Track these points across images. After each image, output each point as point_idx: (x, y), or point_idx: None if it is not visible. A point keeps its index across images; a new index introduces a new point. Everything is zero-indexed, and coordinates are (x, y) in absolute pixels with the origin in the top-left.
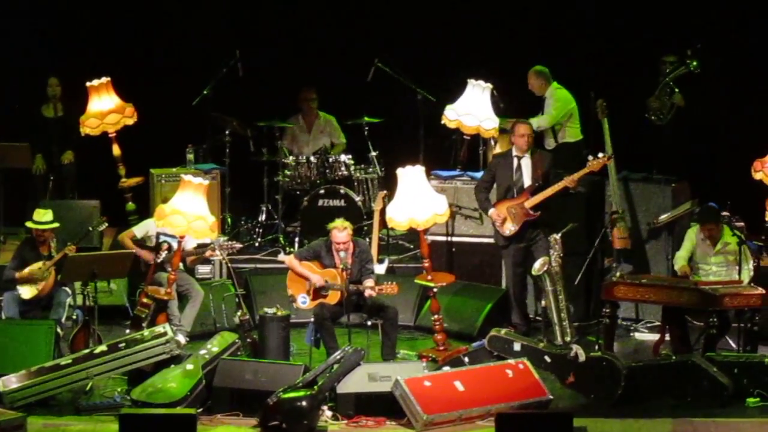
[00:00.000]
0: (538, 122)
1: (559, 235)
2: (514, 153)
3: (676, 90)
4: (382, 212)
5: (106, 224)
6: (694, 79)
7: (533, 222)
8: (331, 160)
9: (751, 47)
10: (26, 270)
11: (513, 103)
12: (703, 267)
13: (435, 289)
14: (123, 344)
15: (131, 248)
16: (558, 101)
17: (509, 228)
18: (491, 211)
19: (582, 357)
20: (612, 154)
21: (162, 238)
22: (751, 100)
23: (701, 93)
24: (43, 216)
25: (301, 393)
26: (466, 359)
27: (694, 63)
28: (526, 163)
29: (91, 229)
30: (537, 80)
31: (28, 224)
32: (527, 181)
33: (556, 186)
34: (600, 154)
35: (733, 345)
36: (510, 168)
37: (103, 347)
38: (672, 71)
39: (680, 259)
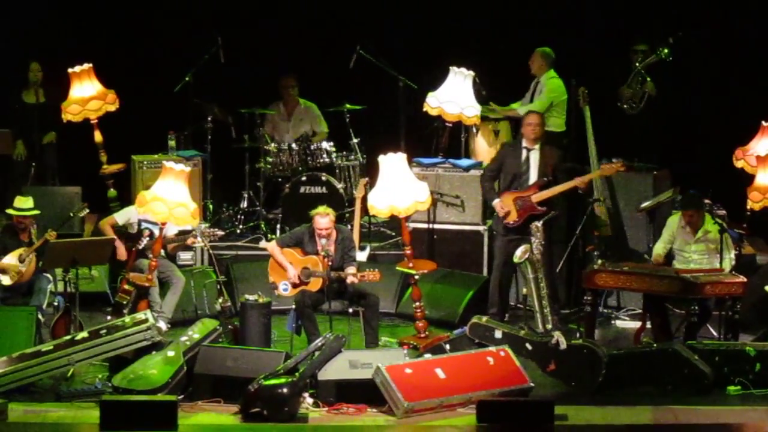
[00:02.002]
0: (526, 110)
1: (541, 222)
2: (524, 144)
3: (648, 79)
4: (364, 199)
5: (87, 210)
6: (674, 67)
7: (534, 216)
8: (312, 147)
9: (730, 34)
10: (3, 261)
11: (495, 90)
12: (682, 255)
13: (416, 277)
14: (104, 331)
15: (112, 235)
16: (551, 91)
17: (514, 219)
18: (496, 201)
19: (563, 345)
20: (626, 162)
21: (143, 225)
22: (733, 88)
23: (681, 81)
24: (24, 203)
25: (282, 380)
26: (447, 347)
27: (666, 51)
28: (535, 156)
29: (72, 215)
30: (540, 61)
31: (9, 211)
32: (533, 174)
33: (567, 184)
34: (614, 160)
35: (714, 333)
36: (518, 158)
37: (84, 334)
38: (643, 60)
39: (656, 249)
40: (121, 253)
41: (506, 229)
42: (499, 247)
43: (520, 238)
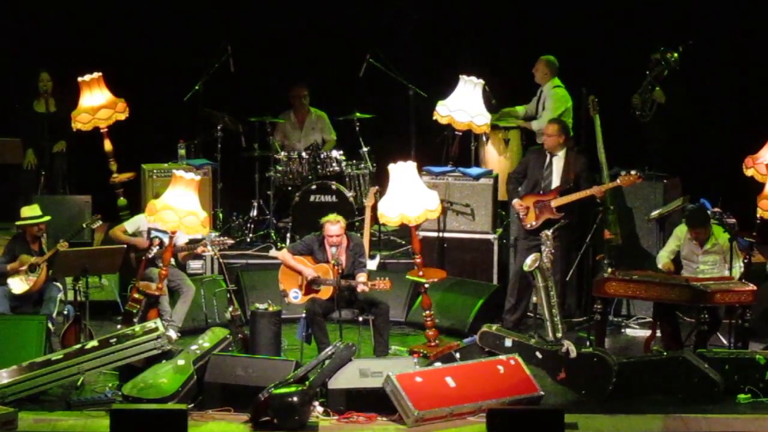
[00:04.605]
0: (538, 125)
1: (551, 231)
2: (548, 150)
3: (657, 87)
4: (374, 208)
5: (100, 222)
6: (685, 76)
7: (553, 222)
8: (322, 155)
9: (741, 42)
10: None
11: (505, 99)
12: (690, 265)
13: (426, 285)
14: (114, 340)
15: (123, 241)
16: (556, 101)
17: (531, 222)
18: (515, 201)
19: (573, 353)
20: (641, 174)
21: (153, 234)
22: (743, 96)
23: (692, 89)
24: (32, 211)
25: (293, 389)
26: (458, 355)
27: (675, 56)
28: (558, 163)
29: (84, 226)
30: (544, 69)
31: (20, 223)
32: (555, 179)
33: (584, 192)
34: (633, 171)
35: (724, 341)
36: (541, 164)
37: (94, 342)
38: (654, 68)
39: (662, 258)
40: (141, 243)
41: (526, 233)
42: (520, 252)
43: (538, 244)
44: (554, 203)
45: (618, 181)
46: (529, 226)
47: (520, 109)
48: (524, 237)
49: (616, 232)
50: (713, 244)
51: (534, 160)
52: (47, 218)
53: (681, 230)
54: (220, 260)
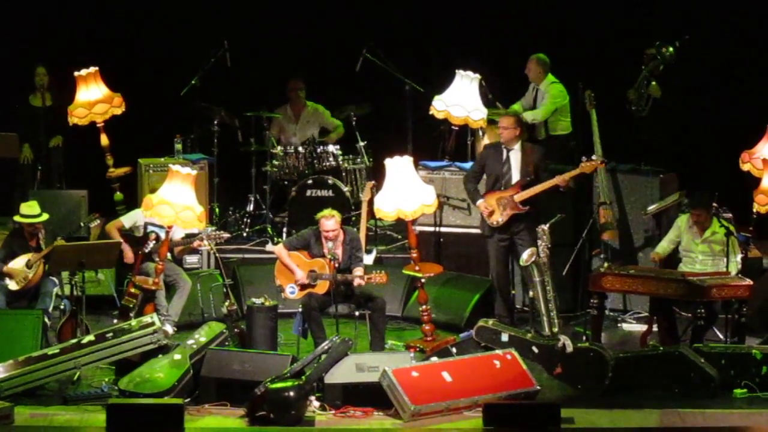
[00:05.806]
0: (533, 116)
1: (547, 225)
2: (504, 145)
3: (653, 82)
4: (370, 203)
5: (98, 221)
6: (680, 71)
7: (519, 215)
8: (319, 150)
9: (737, 37)
10: (11, 266)
11: (502, 94)
12: (689, 255)
13: (423, 280)
14: (110, 334)
15: (118, 238)
16: (554, 97)
17: (496, 219)
18: (480, 201)
19: (569, 348)
20: (605, 159)
21: (150, 228)
22: (739, 91)
23: (688, 84)
24: (31, 209)
25: (289, 383)
26: (454, 350)
27: (670, 50)
28: (516, 156)
29: (82, 224)
30: (536, 68)
31: (17, 219)
32: (515, 173)
33: (547, 183)
34: (593, 157)
35: (721, 336)
36: (499, 159)
37: (90, 337)
38: (650, 63)
39: (659, 246)
40: (128, 256)
41: (492, 230)
42: (491, 250)
43: (509, 238)
44: (517, 197)
45: (580, 167)
46: (495, 223)
47: (517, 107)
48: (490, 235)
49: (613, 227)
50: (712, 233)
51: (491, 156)
52: (45, 218)
53: (681, 220)
54: (217, 255)
